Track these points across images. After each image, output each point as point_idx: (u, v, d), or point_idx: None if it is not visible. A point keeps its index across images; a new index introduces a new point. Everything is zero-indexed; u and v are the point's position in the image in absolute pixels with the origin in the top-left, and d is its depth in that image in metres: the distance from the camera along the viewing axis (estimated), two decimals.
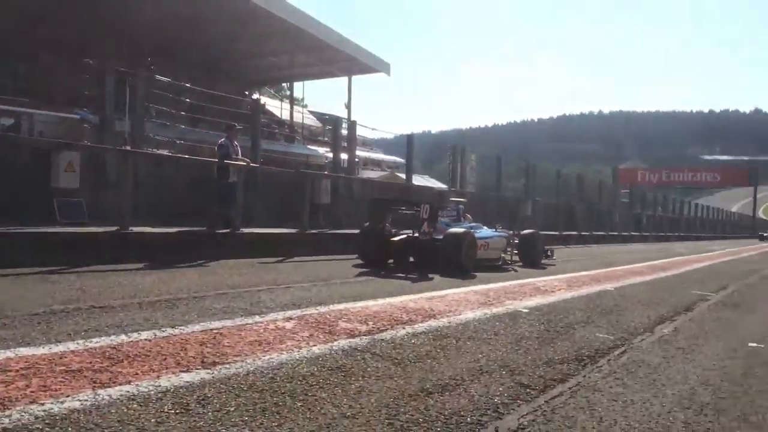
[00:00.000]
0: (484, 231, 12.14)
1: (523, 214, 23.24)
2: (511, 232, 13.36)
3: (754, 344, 5.21)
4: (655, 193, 50.56)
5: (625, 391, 3.55)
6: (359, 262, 10.67)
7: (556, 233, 24.90)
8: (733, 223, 73.80)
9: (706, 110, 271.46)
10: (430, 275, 9.16)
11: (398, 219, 11.64)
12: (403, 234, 10.99)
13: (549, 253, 13.64)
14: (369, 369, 3.72)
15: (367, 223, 11.33)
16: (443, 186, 24.04)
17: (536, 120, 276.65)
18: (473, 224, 12.38)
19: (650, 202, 44.01)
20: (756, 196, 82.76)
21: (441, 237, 10.56)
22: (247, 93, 29.21)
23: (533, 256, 12.65)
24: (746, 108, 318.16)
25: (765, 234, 62.76)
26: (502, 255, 12.30)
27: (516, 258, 12.59)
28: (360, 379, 3.51)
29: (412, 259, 10.98)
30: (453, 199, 13.68)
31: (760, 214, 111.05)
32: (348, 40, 26.14)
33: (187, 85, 15.45)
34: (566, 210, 27.79)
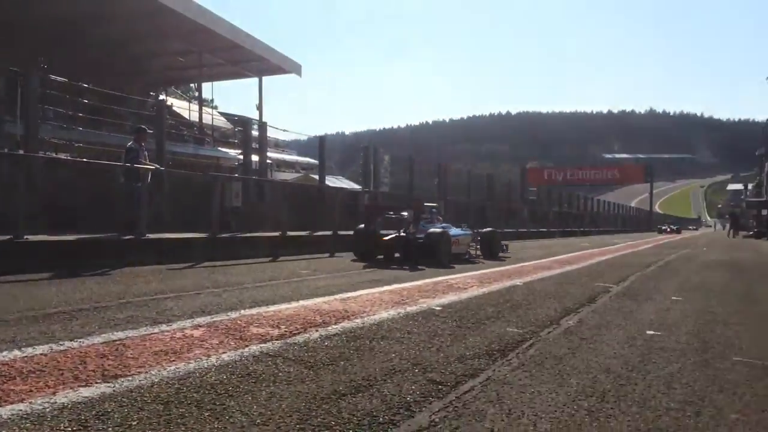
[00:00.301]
0: (454, 230, 14.12)
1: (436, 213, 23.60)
2: (475, 230, 15.61)
3: (651, 332, 5.48)
4: (561, 190, 52.61)
5: (533, 383, 3.64)
6: (273, 264, 10.55)
7: None
8: (633, 217, 77.80)
9: (605, 111, 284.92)
10: (420, 267, 11.19)
11: (387, 222, 14.07)
12: (391, 234, 13.07)
13: (504, 247, 15.86)
14: (280, 374, 3.65)
15: (362, 225, 13.64)
16: (357, 187, 24.10)
17: (447, 121, 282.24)
18: (444, 224, 14.30)
19: (556, 200, 45.76)
20: (652, 191, 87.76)
21: (422, 236, 12.67)
22: (152, 94, 28.23)
23: (493, 249, 15.01)
24: (641, 108, 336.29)
25: (663, 227, 67.04)
26: (468, 249, 14.52)
27: (479, 252, 14.85)
28: (271, 384, 3.44)
29: (397, 255, 12.74)
30: (427, 204, 15.67)
31: (657, 208, 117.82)
32: (258, 40, 25.75)
33: (86, 85, 14.71)
34: (477, 208, 28.46)
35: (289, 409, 3.03)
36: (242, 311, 5.74)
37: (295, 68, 28.48)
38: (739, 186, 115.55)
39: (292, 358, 4.05)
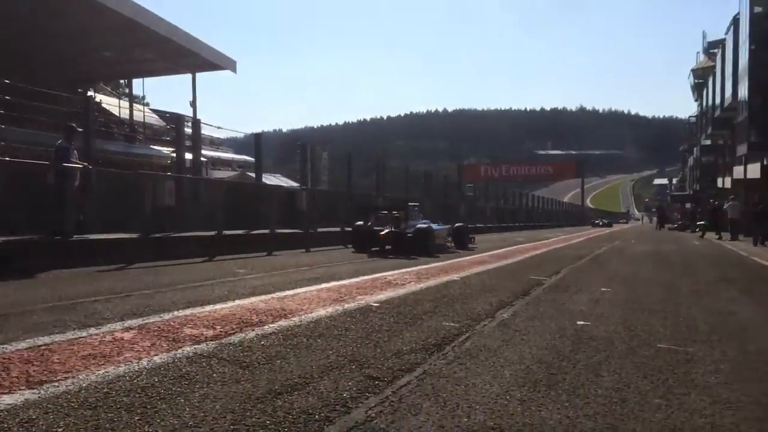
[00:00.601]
0: (434, 225, 16.24)
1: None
2: (449, 225, 18.30)
3: (582, 322, 5.65)
4: (497, 186, 53.62)
5: (468, 375, 3.71)
6: (208, 264, 10.36)
7: None
8: (566, 212, 79.97)
9: (538, 108, 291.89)
10: (412, 257, 13.23)
11: (380, 219, 16.47)
12: (385, 229, 15.33)
13: (473, 239, 18.92)
14: (215, 375, 3.59)
15: (360, 222, 16.43)
16: (295, 184, 23.90)
17: (385, 118, 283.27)
18: (426, 221, 16.49)
19: (492, 195, 46.61)
20: (583, 186, 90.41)
21: (411, 231, 15.00)
22: (80, 90, 27.21)
23: (464, 241, 17.72)
24: (572, 106, 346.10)
25: (596, 221, 69.54)
26: (445, 242, 16.91)
27: (451, 243, 17.24)
28: (204, 386, 3.37)
29: (388, 247, 14.89)
30: (411, 203, 17.59)
31: (588, 203, 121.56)
32: (191, 35, 25.17)
33: (6, 81, 14.05)
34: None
35: (222, 410, 2.99)
36: (175, 312, 5.62)
37: (229, 64, 27.97)
38: (665, 181, 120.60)
39: (226, 358, 3.99)
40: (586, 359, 4.21)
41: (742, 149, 27.09)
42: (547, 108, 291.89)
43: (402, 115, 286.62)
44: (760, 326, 5.66)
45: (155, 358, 3.93)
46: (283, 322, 5.24)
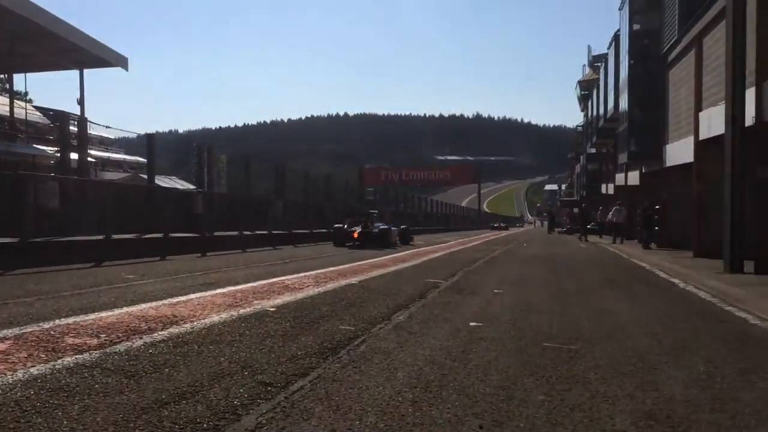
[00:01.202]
0: (391, 227, 23.39)
1: (274, 214, 23.38)
2: (399, 227, 25.40)
3: (474, 323, 5.82)
4: (397, 190, 54.33)
5: (362, 378, 3.72)
6: (95, 270, 9.86)
7: (307, 231, 25.52)
8: (464, 216, 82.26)
9: (436, 114, 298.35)
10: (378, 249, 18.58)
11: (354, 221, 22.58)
12: (356, 228, 21.45)
13: (412, 238, 26.27)
14: (97, 386, 3.42)
15: (338, 225, 22.45)
16: (191, 187, 23.19)
17: (286, 120, 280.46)
18: (383, 224, 23.29)
19: (393, 199, 47.20)
20: (480, 192, 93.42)
21: (376, 230, 21.55)
22: None
23: (407, 239, 24.89)
24: (469, 113, 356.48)
25: (495, 225, 72.79)
26: (395, 239, 23.10)
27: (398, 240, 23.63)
28: (85, 397, 3.21)
29: (358, 243, 20.62)
30: (370, 211, 24.66)
31: (485, 207, 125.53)
32: (77, 29, 23.89)
33: None
34: (316, 209, 28.57)
35: (104, 422, 2.84)
36: (57, 321, 5.31)
37: (120, 61, 26.76)
38: (555, 187, 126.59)
39: (111, 368, 3.81)
40: (477, 359, 4.34)
41: (623, 157, 28.86)
42: (446, 114, 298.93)
43: (303, 118, 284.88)
44: (636, 324, 6.04)
45: (32, 369, 3.70)
46: (173, 329, 5.07)
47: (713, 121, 14.48)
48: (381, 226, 22.14)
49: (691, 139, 17.21)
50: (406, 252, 18.17)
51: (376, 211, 25.29)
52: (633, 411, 3.20)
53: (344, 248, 20.05)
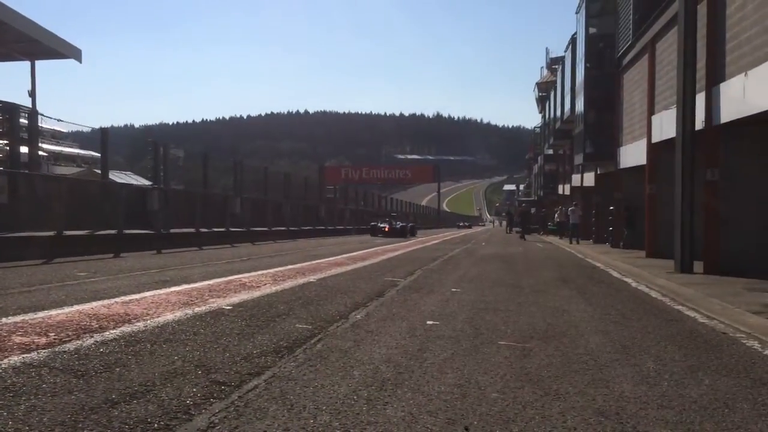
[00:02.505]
0: (405, 224, 36.01)
1: (232, 211, 23.12)
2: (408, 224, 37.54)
3: (431, 322, 5.86)
4: (357, 188, 54.28)
5: (317, 377, 3.71)
6: (46, 267, 9.59)
7: (265, 229, 25.31)
8: (423, 215, 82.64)
9: (397, 113, 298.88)
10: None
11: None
12: (385, 225, 33.19)
13: (416, 231, 37.10)
14: (44, 385, 3.33)
15: (373, 222, 35.27)
16: (147, 183, 22.76)
17: (245, 117, 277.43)
18: (402, 222, 36.34)
19: (353, 198, 47.14)
20: (440, 191, 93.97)
21: (398, 226, 33.69)
22: None
23: (414, 233, 35.58)
24: (430, 112, 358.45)
25: (460, 224, 74.73)
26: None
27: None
28: (32, 397, 3.12)
29: (387, 234, 31.81)
30: (392, 214, 37.53)
31: (444, 206, 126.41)
32: (28, 19, 23.11)
33: None
34: (275, 206, 28.35)
35: (51, 422, 2.77)
36: (4, 319, 5.16)
37: (73, 53, 26.01)
38: (513, 186, 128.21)
39: (59, 367, 3.72)
40: (433, 357, 4.36)
41: (578, 159, 29.37)
42: (406, 113, 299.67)
43: (263, 114, 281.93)
44: (589, 322, 6.16)
45: None
46: (125, 328, 4.97)
47: (665, 125, 14.86)
48: (401, 224, 35.17)
49: (644, 142, 17.62)
50: (410, 241, 26.34)
51: (396, 213, 41.34)
52: (584, 408, 3.26)
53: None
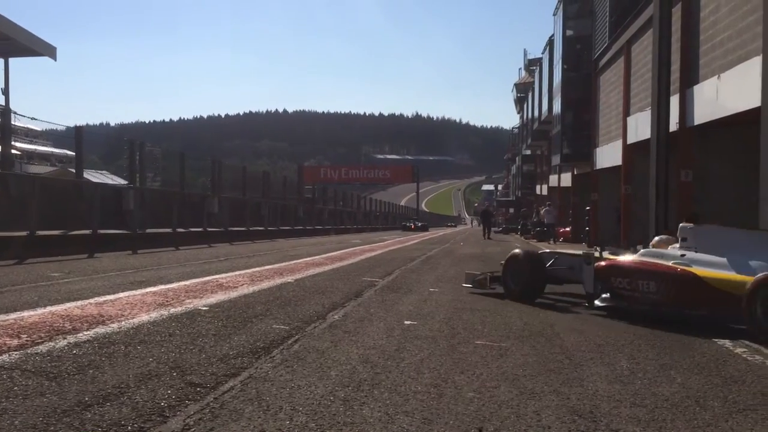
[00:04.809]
0: (423, 224, 58.90)
1: (210, 211, 22.96)
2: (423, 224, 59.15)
3: (409, 322, 5.87)
4: (336, 188, 54.23)
5: (294, 378, 3.70)
6: (18, 267, 9.44)
7: (244, 229, 25.18)
8: (402, 215, 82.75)
9: (376, 113, 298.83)
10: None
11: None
12: (412, 224, 55.55)
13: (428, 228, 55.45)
14: (16, 388, 3.28)
15: (404, 223, 59.23)
16: (123, 182, 22.52)
17: (224, 116, 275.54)
18: (421, 222, 60.67)
19: (332, 198, 47.08)
20: (419, 191, 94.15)
21: (420, 224, 56.59)
22: None
23: (426, 229, 55.18)
24: (409, 112, 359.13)
25: (449, 224, 77.18)
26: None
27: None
28: (3, 400, 3.07)
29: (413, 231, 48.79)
30: (413, 217, 66.14)
31: (423, 207, 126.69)
32: (1, 16, 22.83)
33: None
34: (253, 206, 28.21)
35: (22, 425, 2.73)
36: None
37: (48, 50, 25.75)
38: (492, 187, 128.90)
39: (31, 369, 3.66)
40: (410, 357, 4.37)
41: (556, 159, 29.68)
42: (385, 113, 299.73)
43: (241, 113, 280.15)
44: (564, 323, 6.22)
45: None
46: (99, 329, 4.91)
47: (640, 126, 15.06)
48: (420, 223, 56.09)
49: (620, 143, 17.83)
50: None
51: (416, 218, 65.76)
52: (558, 407, 3.29)
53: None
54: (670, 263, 6.53)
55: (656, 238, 7.76)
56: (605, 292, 6.99)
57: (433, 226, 73.49)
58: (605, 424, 3.02)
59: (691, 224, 6.97)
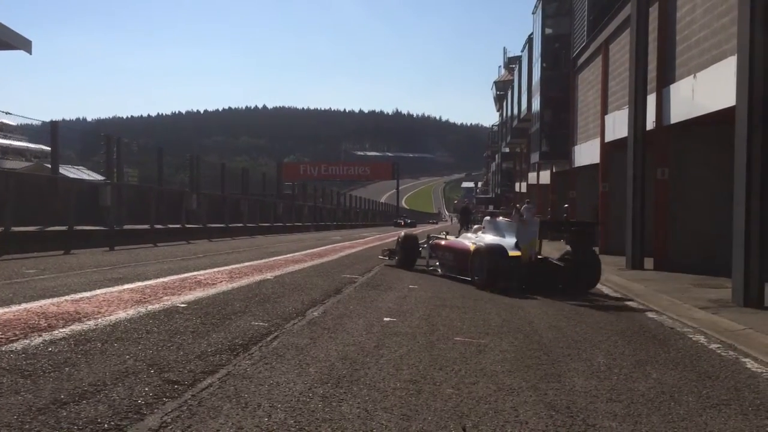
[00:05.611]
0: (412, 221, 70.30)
1: (189, 207, 22.76)
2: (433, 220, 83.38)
3: (388, 318, 5.88)
4: (315, 185, 54.03)
5: (273, 375, 3.69)
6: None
7: (222, 225, 25.00)
8: (382, 212, 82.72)
9: (356, 110, 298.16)
10: None
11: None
12: (402, 221, 65.91)
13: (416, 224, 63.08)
14: None
15: (395, 220, 69.49)
16: (100, 178, 22.24)
17: (202, 112, 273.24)
18: (411, 219, 71.89)
19: (311, 194, 46.89)
20: (398, 188, 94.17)
21: (409, 221, 67.97)
22: None
23: (414, 224, 63.33)
24: (389, 109, 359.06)
25: (431, 221, 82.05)
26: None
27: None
28: None
29: (404, 226, 53.48)
30: (404, 215, 75.57)
31: (403, 203, 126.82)
32: None
33: None
34: (232, 203, 28.02)
35: None
36: None
37: (23, 44, 25.16)
38: (471, 184, 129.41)
39: (6, 367, 3.61)
40: (389, 354, 4.38)
41: (535, 157, 29.84)
42: (365, 110, 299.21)
43: (220, 109, 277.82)
44: (542, 319, 6.28)
45: None
46: (75, 327, 4.86)
47: (618, 124, 15.21)
48: (409, 220, 67.22)
49: (598, 141, 17.99)
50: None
51: (406, 215, 76.40)
52: (536, 402, 3.32)
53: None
54: (466, 242, 10.19)
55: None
56: (434, 260, 11.04)
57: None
58: (582, 419, 3.06)
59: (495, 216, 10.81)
